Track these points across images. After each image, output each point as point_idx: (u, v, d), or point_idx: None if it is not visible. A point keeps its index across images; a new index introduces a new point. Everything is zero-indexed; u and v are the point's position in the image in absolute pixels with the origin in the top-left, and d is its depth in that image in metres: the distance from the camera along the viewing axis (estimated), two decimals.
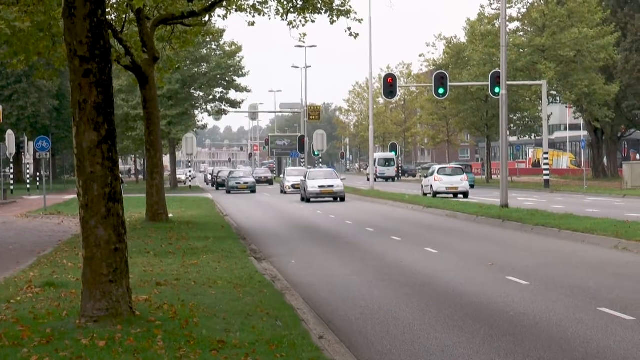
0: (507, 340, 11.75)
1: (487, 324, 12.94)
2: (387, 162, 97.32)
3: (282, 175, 67.70)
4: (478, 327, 12.67)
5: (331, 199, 52.52)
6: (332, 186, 52.22)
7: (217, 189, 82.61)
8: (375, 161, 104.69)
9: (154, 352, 9.99)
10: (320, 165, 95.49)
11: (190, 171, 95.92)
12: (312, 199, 52.08)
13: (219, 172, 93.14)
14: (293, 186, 64.01)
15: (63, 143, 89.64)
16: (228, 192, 70.60)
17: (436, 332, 12.41)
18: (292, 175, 67.58)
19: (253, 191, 69.99)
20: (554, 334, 12.08)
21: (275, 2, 31.70)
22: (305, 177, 54.77)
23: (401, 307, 14.49)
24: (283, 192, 66.89)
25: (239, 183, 71.32)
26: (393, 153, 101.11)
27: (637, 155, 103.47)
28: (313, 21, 31.70)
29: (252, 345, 10.39)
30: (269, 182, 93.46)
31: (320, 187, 52.00)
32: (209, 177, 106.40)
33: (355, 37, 31.54)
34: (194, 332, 11.03)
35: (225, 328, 11.44)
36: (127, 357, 9.78)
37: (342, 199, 52.23)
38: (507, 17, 58.48)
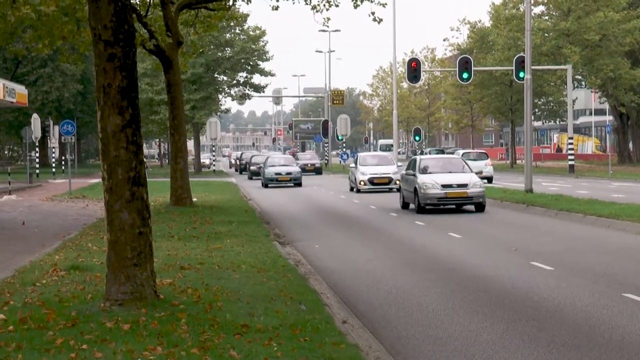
0: (531, 325, 11.72)
1: (511, 309, 12.91)
2: (388, 147, 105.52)
3: (352, 165, 47.40)
4: (502, 313, 12.65)
5: (457, 204, 31.67)
6: (464, 185, 30.85)
7: (250, 178, 66.97)
8: (378, 147, 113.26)
9: (177, 335, 10.03)
10: (344, 150, 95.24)
11: (213, 155, 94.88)
12: (428, 206, 30.97)
13: (251, 157, 75.89)
14: (371, 181, 44.68)
15: (88, 127, 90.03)
16: (265, 185, 53.90)
17: (459, 317, 12.39)
18: (370, 165, 46.57)
19: (298, 184, 53.52)
20: (579, 320, 12.03)
21: None
22: (414, 169, 32.39)
23: (425, 292, 14.47)
24: (355, 189, 45.64)
25: (279, 174, 53.86)
26: (392, 140, 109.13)
27: None
28: (337, 5, 31.61)
29: (275, 330, 10.41)
30: (317, 171, 74.61)
31: (444, 186, 30.73)
32: (237, 162, 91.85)
33: (379, 22, 31.43)
34: (217, 316, 11.06)
35: (249, 312, 11.46)
36: (151, 340, 9.82)
37: (482, 207, 31.13)
38: (532, 1, 58.22)
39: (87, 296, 12.60)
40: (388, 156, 50.17)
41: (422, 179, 31.06)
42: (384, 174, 45.34)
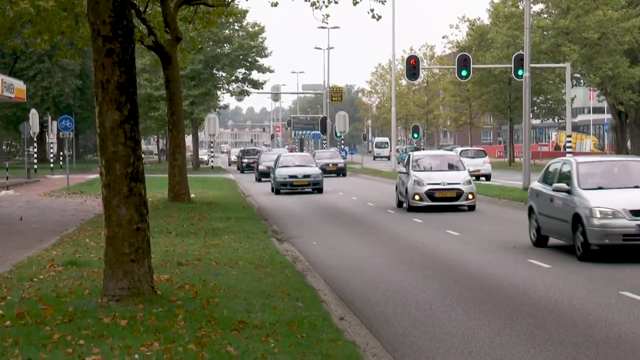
0: (528, 323, 11.73)
1: (508, 306, 12.91)
2: (383, 144, 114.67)
3: (401, 170, 33.05)
4: (499, 310, 12.65)
5: None
6: None
7: (258, 180, 56.49)
8: (374, 144, 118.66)
9: (175, 331, 10.03)
10: (343, 147, 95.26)
11: (212, 151, 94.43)
12: (604, 249, 17.72)
13: (259, 154, 64.37)
14: (431, 195, 30.29)
15: (86, 122, 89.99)
16: (276, 191, 43.00)
17: (457, 314, 12.40)
18: (429, 170, 32.09)
19: (318, 190, 42.67)
20: (576, 317, 12.05)
21: None
22: (567, 180, 18.88)
23: (422, 289, 14.48)
24: (406, 205, 31.02)
25: (294, 177, 42.67)
26: (387, 138, 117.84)
27: None
28: (336, 2, 31.53)
29: (272, 326, 10.41)
30: (340, 171, 62.48)
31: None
32: (238, 160, 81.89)
33: (377, 19, 31.37)
34: (215, 312, 11.06)
35: (246, 308, 11.46)
36: (148, 336, 9.82)
37: None
38: None
39: (85, 292, 12.60)
40: (454, 157, 34.43)
41: (591, 199, 17.66)
42: (450, 184, 30.68)
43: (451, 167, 32.50)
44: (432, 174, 31.39)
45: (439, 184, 30.62)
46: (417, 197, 30.41)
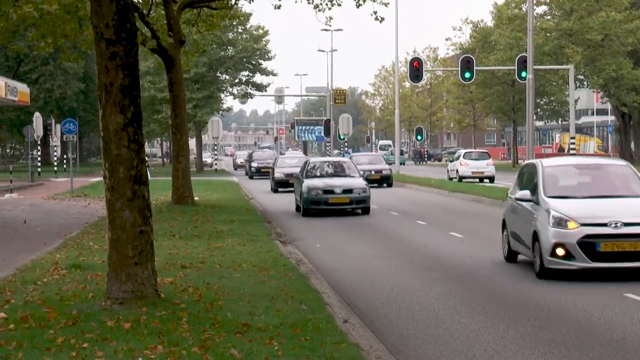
0: (533, 325, 11.72)
1: (512, 308, 12.90)
2: (385, 147, 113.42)
3: (521, 196, 16.63)
4: (503, 312, 12.64)
5: None
6: None
7: (275, 190, 46.02)
8: (377, 146, 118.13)
9: (178, 334, 10.02)
10: (346, 149, 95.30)
11: (215, 154, 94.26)
12: None
13: (276, 159, 51.29)
14: (590, 246, 14.83)
15: (90, 125, 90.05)
16: (304, 210, 30.55)
17: (460, 316, 12.39)
18: (575, 196, 15.97)
19: (363, 209, 30.57)
20: (580, 319, 12.03)
21: None
22: None
23: (426, 292, 14.47)
24: (537, 263, 15.45)
25: (330, 192, 30.30)
26: (390, 141, 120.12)
27: None
28: (339, 4, 31.54)
29: (276, 329, 10.41)
30: (384, 180, 48.93)
31: None
32: (247, 164, 70.38)
33: (380, 22, 31.39)
34: (218, 315, 11.06)
35: (250, 311, 11.46)
36: (152, 339, 9.82)
37: None
38: (535, 1, 58.20)
39: (88, 295, 12.60)
40: (622, 168, 17.17)
41: None
42: (628, 225, 15.14)
43: (621, 187, 16.53)
44: (586, 203, 15.92)
45: (605, 224, 15.18)
46: (560, 252, 15.15)
